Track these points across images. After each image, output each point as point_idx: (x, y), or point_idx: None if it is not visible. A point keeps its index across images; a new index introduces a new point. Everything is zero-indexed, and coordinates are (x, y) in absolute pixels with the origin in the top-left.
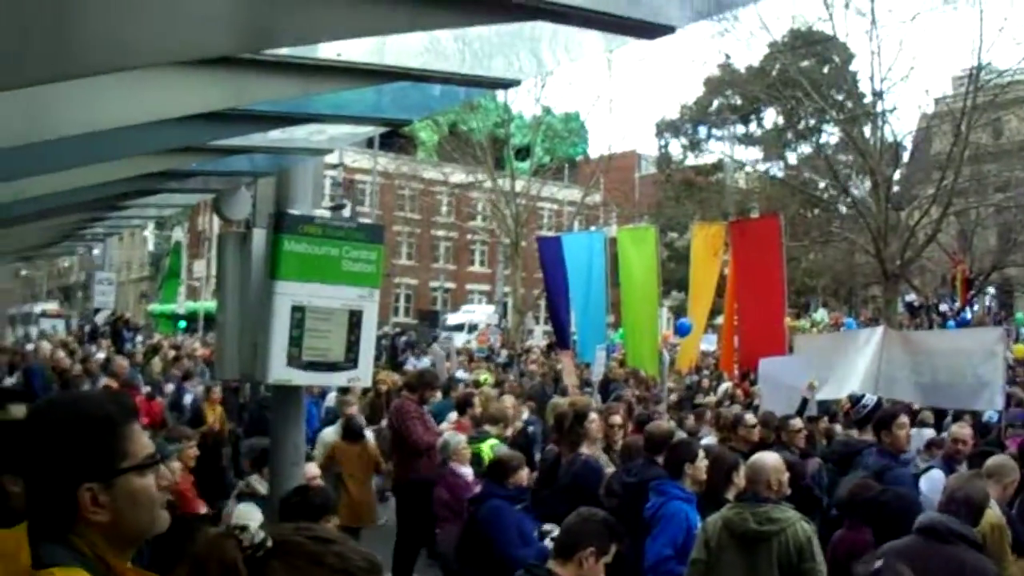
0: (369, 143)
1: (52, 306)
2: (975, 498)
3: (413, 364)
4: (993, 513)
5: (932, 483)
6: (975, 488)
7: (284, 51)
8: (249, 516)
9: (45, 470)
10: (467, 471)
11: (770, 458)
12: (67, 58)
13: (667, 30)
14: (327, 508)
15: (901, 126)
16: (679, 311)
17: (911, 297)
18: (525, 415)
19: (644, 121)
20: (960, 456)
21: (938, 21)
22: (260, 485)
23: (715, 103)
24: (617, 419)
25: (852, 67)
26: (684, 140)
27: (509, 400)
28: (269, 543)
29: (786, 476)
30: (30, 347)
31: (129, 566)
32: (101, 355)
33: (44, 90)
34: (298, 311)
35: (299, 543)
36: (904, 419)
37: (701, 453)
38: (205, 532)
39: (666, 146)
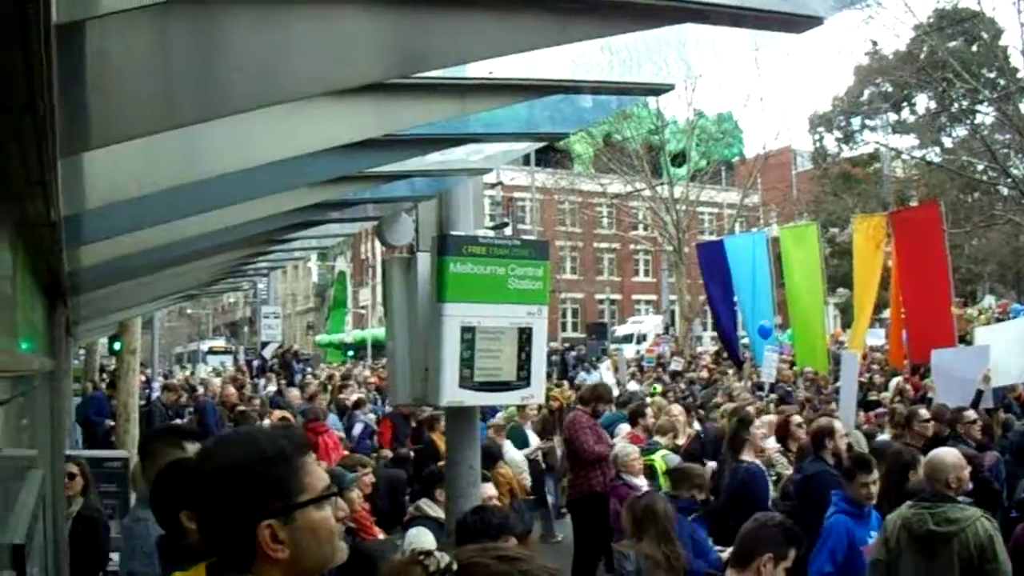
0: (526, 160)
1: (219, 343)
2: None
3: (584, 379)
4: None
5: None
6: None
7: (435, 73)
8: (422, 540)
9: (222, 508)
10: (640, 482)
11: (949, 454)
12: (215, 97)
13: (814, 22)
14: (505, 528)
15: None
16: (845, 308)
17: None
18: (696, 425)
19: (797, 116)
20: None
21: None
22: (431, 508)
23: (866, 92)
24: (797, 419)
25: (1002, 42)
26: (838, 133)
27: (677, 409)
28: (455, 567)
29: (966, 472)
30: (200, 384)
31: None
32: (271, 388)
33: (198, 129)
34: (467, 332)
35: (485, 564)
36: None
37: (873, 463)
38: (390, 560)
39: (820, 140)
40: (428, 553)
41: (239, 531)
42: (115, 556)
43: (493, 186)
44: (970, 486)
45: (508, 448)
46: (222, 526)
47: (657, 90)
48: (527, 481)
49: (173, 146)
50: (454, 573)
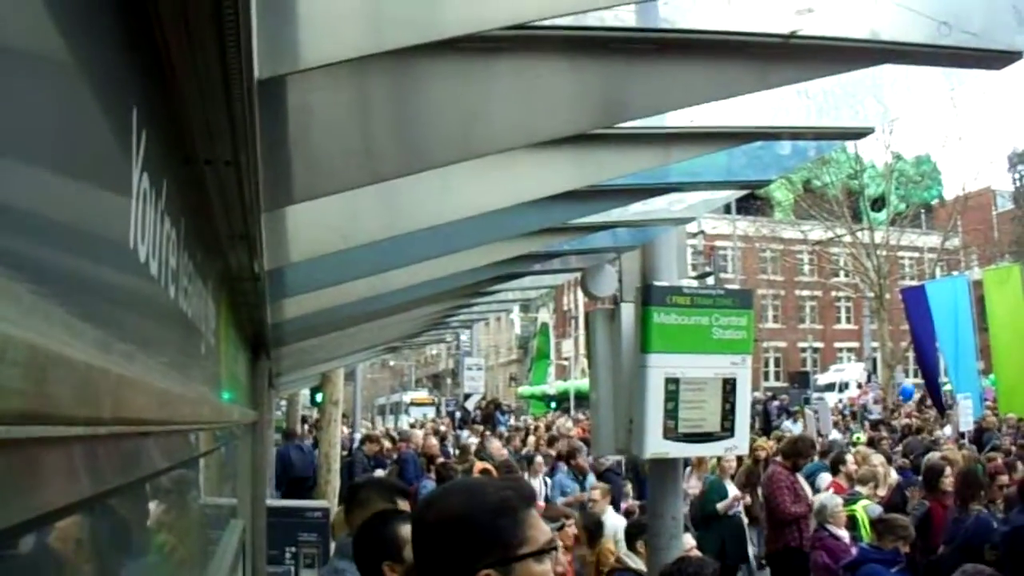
0: (726, 208)
1: (421, 394)
2: None
3: (788, 428)
4: None
5: None
6: None
7: (636, 123)
8: None
9: (443, 557)
10: (843, 534)
11: None
12: (415, 152)
13: (1012, 57)
14: None
15: None
16: None
17: None
18: (893, 474)
19: (996, 155)
20: None
21: None
22: (632, 560)
23: None
24: (1004, 478)
25: None
26: None
27: (878, 459)
28: None
29: None
30: (400, 436)
31: None
32: (473, 440)
33: (399, 183)
34: (672, 383)
35: None
36: None
37: None
38: None
39: (1021, 179)
40: None
41: None
42: None
43: (695, 235)
44: None
45: (609, 514)
46: (442, 574)
47: (856, 134)
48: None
49: (374, 200)
50: None
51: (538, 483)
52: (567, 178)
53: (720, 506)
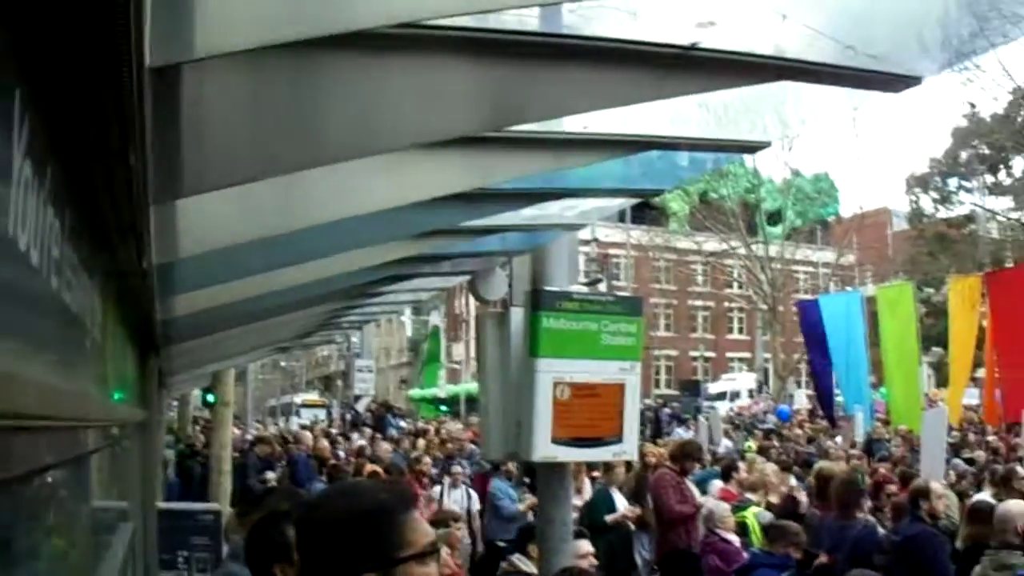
0: (621, 217)
1: (312, 396)
2: None
3: (679, 435)
4: None
5: None
6: None
7: (531, 127)
8: None
9: (324, 563)
10: (734, 538)
11: (1016, 505)
12: (311, 147)
13: (913, 81)
14: None
15: None
16: (939, 367)
17: None
18: (792, 481)
19: (893, 177)
20: None
21: None
22: (524, 564)
23: (963, 154)
24: (893, 487)
25: None
26: (934, 193)
27: (770, 468)
28: None
29: None
30: (292, 438)
31: None
32: (362, 442)
33: (293, 180)
34: (560, 388)
35: None
36: None
37: None
38: None
39: (917, 201)
40: None
41: None
42: None
43: (588, 242)
44: None
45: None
46: None
47: (753, 148)
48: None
49: (268, 196)
50: None
51: (460, 494)
52: (460, 179)
53: (609, 518)
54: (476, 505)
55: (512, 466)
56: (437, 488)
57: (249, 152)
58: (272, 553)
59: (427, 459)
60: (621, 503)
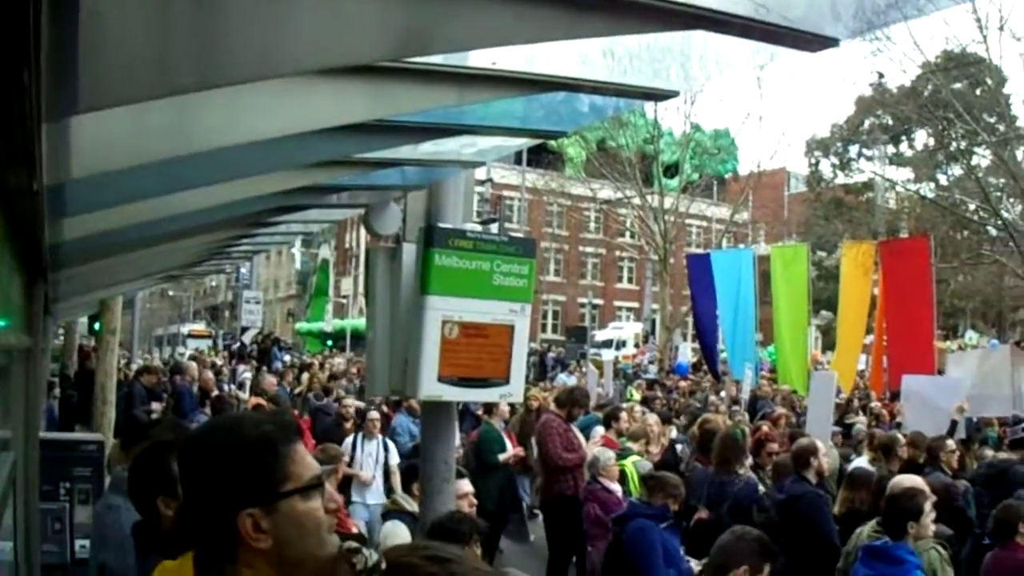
0: (517, 159)
1: (199, 326)
2: None
3: (563, 381)
4: None
5: None
6: None
7: (436, 59)
8: (397, 534)
9: (204, 497)
10: (616, 488)
11: (907, 480)
12: (212, 66)
13: (828, 42)
14: (466, 534)
15: None
16: (827, 330)
17: None
18: (673, 433)
19: (794, 139)
20: None
21: None
22: (407, 502)
23: (866, 123)
24: (774, 445)
25: (1005, 90)
26: (834, 159)
27: (653, 418)
28: (383, 565)
29: (930, 502)
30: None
31: None
32: (248, 374)
33: (191, 102)
34: (449, 326)
35: (414, 565)
36: None
37: (928, 506)
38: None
39: (816, 164)
40: (356, 550)
41: (220, 520)
42: (87, 543)
43: (483, 183)
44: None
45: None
46: (204, 514)
47: (658, 96)
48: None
49: (165, 117)
50: (382, 572)
51: (375, 447)
52: (360, 109)
53: (502, 457)
54: (395, 459)
55: (415, 402)
56: (348, 441)
57: (148, 70)
58: (155, 485)
59: (350, 401)
60: (509, 443)
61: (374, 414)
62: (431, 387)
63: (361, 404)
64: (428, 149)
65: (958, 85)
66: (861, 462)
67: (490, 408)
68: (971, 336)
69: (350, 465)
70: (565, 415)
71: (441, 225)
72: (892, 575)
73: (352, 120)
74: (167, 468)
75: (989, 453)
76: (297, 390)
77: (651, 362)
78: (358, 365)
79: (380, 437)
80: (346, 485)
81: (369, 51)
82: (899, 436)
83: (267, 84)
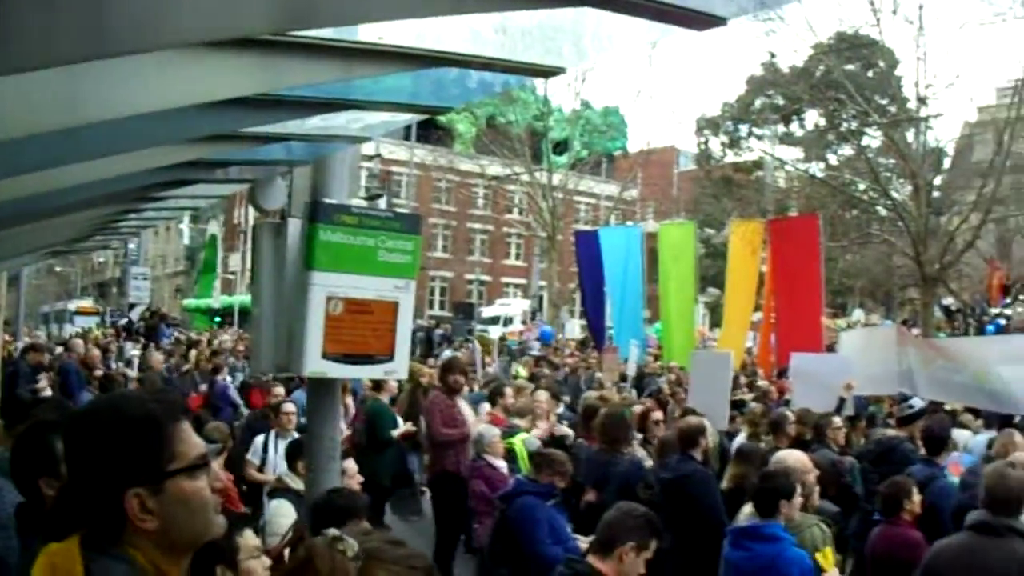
0: (406, 135)
1: (86, 303)
2: (1016, 491)
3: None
4: None
5: None
6: (1015, 481)
7: (323, 33)
8: (283, 513)
9: (89, 476)
10: (502, 464)
11: (791, 457)
12: (99, 36)
13: (717, 21)
14: (352, 511)
15: (944, 133)
16: (714, 307)
17: (948, 301)
18: (560, 409)
19: (684, 118)
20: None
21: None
22: (292, 481)
23: (757, 102)
24: (658, 415)
25: (897, 72)
26: (724, 137)
27: (543, 395)
28: (363, 552)
29: (812, 476)
30: (64, 345)
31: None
32: (136, 352)
33: (74, 74)
34: (334, 302)
35: (384, 549)
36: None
37: (809, 483)
38: (315, 542)
39: (706, 143)
40: (340, 538)
41: (106, 500)
42: None
43: (371, 158)
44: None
45: None
46: (90, 495)
47: (548, 72)
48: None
49: (48, 89)
50: (363, 558)
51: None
52: (247, 83)
53: (395, 434)
54: None
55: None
56: (259, 439)
57: (33, 40)
58: (37, 466)
59: (279, 389)
60: (402, 423)
61: (289, 407)
62: (316, 364)
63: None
64: (315, 124)
65: (850, 67)
66: (740, 438)
67: (379, 385)
68: (859, 314)
69: (261, 469)
70: (446, 388)
71: (327, 200)
72: (765, 554)
73: (239, 94)
74: (49, 448)
75: (882, 431)
76: (185, 368)
77: (538, 339)
78: (245, 342)
79: (295, 434)
80: (256, 495)
81: (254, 23)
82: (787, 413)
83: (154, 56)
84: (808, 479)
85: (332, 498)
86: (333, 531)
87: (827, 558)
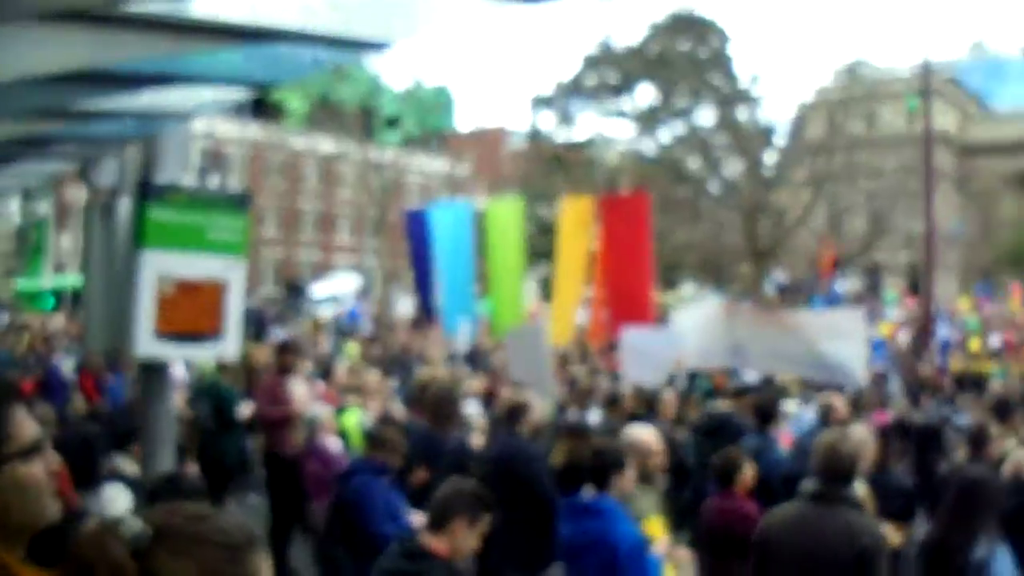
0: (238, 112)
1: None
2: (848, 461)
3: (278, 336)
4: (860, 485)
5: None
6: (847, 451)
7: (156, 8)
8: (117, 498)
9: None
10: (336, 444)
11: (640, 433)
12: None
13: None
14: (190, 495)
15: (776, 112)
16: (545, 283)
17: (779, 276)
18: (392, 387)
19: (516, 95)
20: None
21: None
22: (127, 465)
23: (591, 80)
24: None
25: (730, 51)
26: (556, 114)
27: (375, 373)
28: (148, 531)
29: (660, 454)
30: None
31: (23, 561)
32: None
33: None
34: (165, 282)
35: (177, 525)
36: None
37: (630, 460)
38: (84, 529)
39: (538, 121)
40: (120, 521)
41: None
42: None
43: (204, 136)
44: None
45: None
46: None
47: (379, 47)
48: None
49: None
50: (148, 538)
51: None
52: (77, 57)
53: (241, 413)
54: None
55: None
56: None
57: None
58: None
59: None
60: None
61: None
62: (148, 345)
63: None
64: (147, 101)
65: (685, 46)
66: (593, 416)
67: (223, 367)
68: (690, 289)
69: None
70: (278, 367)
71: (158, 179)
72: (596, 528)
73: (68, 68)
74: None
75: (714, 404)
76: (18, 352)
77: (370, 317)
78: (77, 324)
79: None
80: None
81: None
82: (619, 388)
83: None
84: (654, 456)
85: (168, 482)
86: (113, 515)
87: (655, 525)
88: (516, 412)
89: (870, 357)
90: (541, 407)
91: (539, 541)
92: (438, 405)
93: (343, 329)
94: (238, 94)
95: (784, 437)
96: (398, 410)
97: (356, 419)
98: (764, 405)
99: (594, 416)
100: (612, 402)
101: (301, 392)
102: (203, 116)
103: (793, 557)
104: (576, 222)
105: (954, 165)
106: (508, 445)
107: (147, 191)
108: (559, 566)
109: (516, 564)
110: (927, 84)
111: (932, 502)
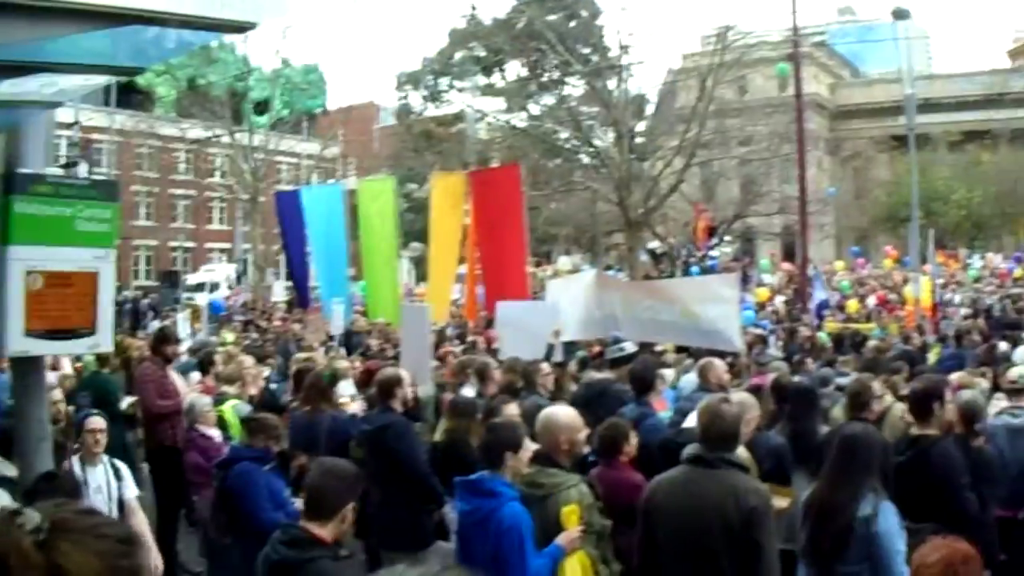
0: (106, 100)
1: None
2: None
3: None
4: (741, 449)
5: None
6: (730, 416)
7: None
8: None
9: None
10: (215, 433)
11: (563, 414)
12: None
13: None
14: (68, 492)
15: (646, 80)
16: (419, 261)
17: (654, 244)
18: (267, 372)
19: (384, 73)
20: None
21: None
22: (5, 467)
23: (458, 55)
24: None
25: (599, 22)
26: (425, 91)
27: (248, 360)
28: (47, 524)
29: (582, 435)
30: None
31: None
32: None
33: None
34: (33, 276)
35: (73, 519)
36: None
37: (527, 441)
38: None
39: (406, 98)
40: (18, 512)
41: None
42: None
43: (70, 126)
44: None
45: None
46: None
47: (244, 27)
48: None
49: None
50: (48, 530)
51: (100, 476)
52: None
53: (125, 405)
54: (131, 492)
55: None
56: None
57: None
58: None
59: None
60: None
61: (96, 421)
62: (18, 342)
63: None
64: (5, 89)
65: (553, 17)
66: (468, 391)
67: (104, 359)
68: (564, 261)
69: None
70: (160, 359)
71: (21, 171)
72: (484, 508)
73: None
74: None
75: (594, 375)
76: None
77: (245, 304)
78: None
79: (106, 459)
80: None
81: None
82: (491, 361)
83: None
84: (575, 437)
85: (45, 480)
86: (10, 505)
87: (570, 517)
88: (387, 387)
89: (744, 320)
90: (423, 386)
91: (417, 519)
92: (311, 388)
93: (218, 316)
94: (103, 79)
95: (659, 404)
96: (277, 396)
97: (233, 407)
98: (640, 373)
99: (469, 391)
100: (481, 376)
101: (180, 383)
102: (67, 103)
103: (681, 521)
104: (447, 199)
105: (826, 129)
106: (379, 420)
107: (12, 184)
108: (444, 544)
109: (397, 542)
110: (797, 49)
111: (810, 463)
